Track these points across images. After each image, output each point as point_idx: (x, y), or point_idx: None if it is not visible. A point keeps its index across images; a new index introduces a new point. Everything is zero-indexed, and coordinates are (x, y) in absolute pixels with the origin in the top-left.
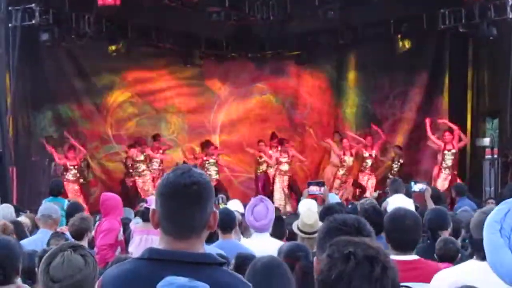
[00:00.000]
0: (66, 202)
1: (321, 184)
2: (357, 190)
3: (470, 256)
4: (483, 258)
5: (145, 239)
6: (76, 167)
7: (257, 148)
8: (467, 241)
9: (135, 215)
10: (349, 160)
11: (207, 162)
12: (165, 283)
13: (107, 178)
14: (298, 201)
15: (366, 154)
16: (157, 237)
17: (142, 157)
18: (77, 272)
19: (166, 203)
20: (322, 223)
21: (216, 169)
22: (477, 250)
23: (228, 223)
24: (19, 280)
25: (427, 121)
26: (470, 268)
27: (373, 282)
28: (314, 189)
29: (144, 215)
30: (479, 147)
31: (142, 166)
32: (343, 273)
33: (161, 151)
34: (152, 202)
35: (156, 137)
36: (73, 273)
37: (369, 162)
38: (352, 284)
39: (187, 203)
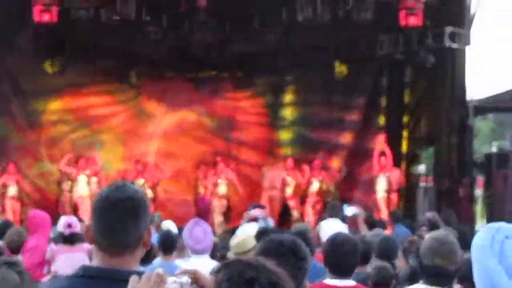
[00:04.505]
0: None
1: (262, 207)
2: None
3: (409, 281)
4: (432, 283)
5: (71, 257)
6: (17, 183)
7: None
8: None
9: None
10: (291, 181)
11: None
12: None
13: (41, 197)
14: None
15: (316, 181)
16: (81, 255)
17: (84, 177)
18: None
19: (100, 218)
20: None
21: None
22: (427, 276)
23: (170, 244)
24: None
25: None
26: None
27: None
28: (255, 212)
29: (66, 239)
30: (414, 174)
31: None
32: None
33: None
34: (61, 225)
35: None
36: None
37: (317, 185)
38: None
39: (120, 217)
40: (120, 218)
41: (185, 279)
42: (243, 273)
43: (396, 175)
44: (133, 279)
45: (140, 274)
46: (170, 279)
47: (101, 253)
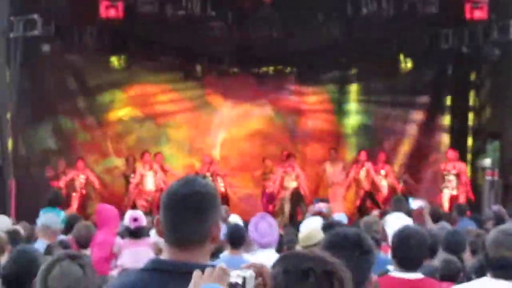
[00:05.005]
0: (62, 214)
1: (326, 201)
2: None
3: (477, 274)
4: (498, 276)
5: (136, 251)
6: (84, 177)
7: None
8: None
9: None
10: (358, 174)
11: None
12: None
13: (107, 191)
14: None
15: (383, 172)
16: (146, 249)
17: (150, 171)
18: (75, 283)
19: (168, 212)
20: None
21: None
22: (493, 268)
23: (238, 238)
24: None
25: None
26: (485, 286)
27: None
28: (319, 206)
29: (131, 233)
30: (480, 168)
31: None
32: None
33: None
34: (127, 219)
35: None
36: (71, 284)
37: (382, 179)
38: None
39: (187, 212)
40: (186, 213)
41: (249, 272)
42: (299, 265)
43: (463, 169)
44: (196, 273)
45: (207, 267)
46: (234, 273)
47: (170, 247)
